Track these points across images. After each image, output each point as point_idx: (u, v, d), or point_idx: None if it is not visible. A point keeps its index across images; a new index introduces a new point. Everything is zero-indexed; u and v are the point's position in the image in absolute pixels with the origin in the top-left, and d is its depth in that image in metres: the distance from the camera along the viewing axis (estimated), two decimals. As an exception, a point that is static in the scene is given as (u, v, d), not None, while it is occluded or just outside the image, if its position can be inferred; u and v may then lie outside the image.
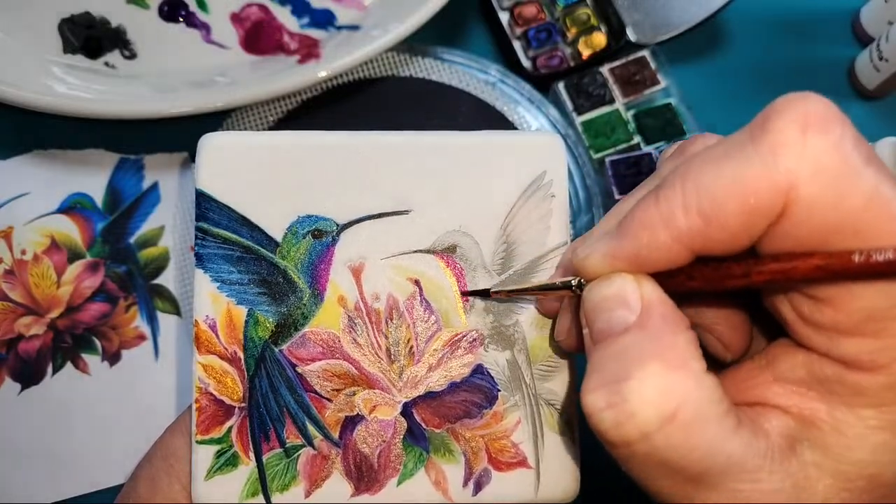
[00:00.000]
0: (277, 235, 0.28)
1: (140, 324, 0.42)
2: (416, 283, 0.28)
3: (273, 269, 0.28)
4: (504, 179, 0.29)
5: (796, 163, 0.18)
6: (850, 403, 0.20)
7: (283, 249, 0.28)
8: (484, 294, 0.28)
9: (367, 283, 0.28)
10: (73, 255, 0.42)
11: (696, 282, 0.21)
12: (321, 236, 0.28)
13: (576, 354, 0.28)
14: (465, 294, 0.29)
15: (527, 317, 0.29)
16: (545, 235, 0.29)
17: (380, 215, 0.29)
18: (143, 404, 0.41)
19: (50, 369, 0.41)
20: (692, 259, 0.21)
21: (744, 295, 0.24)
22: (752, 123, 0.20)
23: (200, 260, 0.28)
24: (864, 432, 0.20)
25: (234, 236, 0.28)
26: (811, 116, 0.19)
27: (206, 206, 0.28)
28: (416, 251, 0.29)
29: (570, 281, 0.24)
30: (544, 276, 0.29)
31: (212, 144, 0.28)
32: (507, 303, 0.29)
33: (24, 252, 0.42)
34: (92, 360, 0.41)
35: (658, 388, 0.19)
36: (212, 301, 0.28)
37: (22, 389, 0.40)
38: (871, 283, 0.19)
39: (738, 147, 0.19)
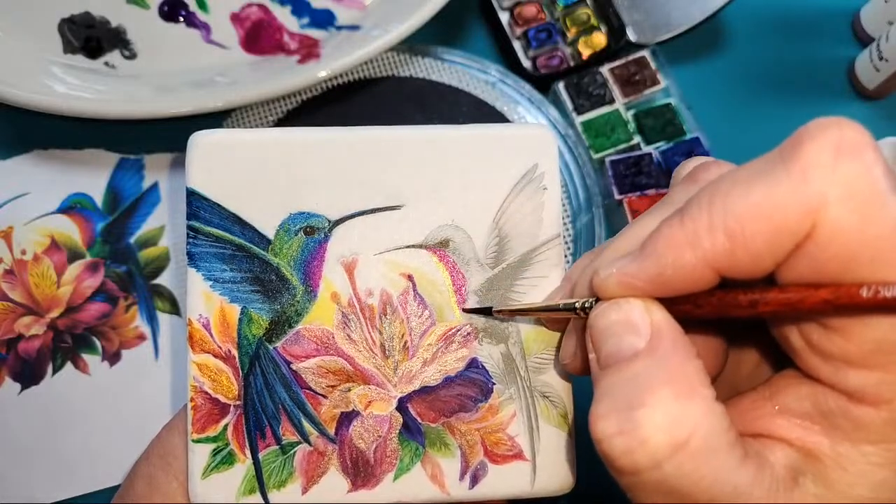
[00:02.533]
0: (269, 233, 0.28)
1: (140, 324, 0.42)
2: (410, 278, 0.28)
3: (266, 267, 0.28)
4: (495, 172, 0.29)
5: (827, 185, 0.18)
6: (852, 439, 0.20)
7: (275, 247, 0.28)
8: (486, 312, 0.28)
9: (360, 279, 0.28)
10: (73, 255, 0.42)
11: (702, 310, 0.21)
12: (313, 233, 0.28)
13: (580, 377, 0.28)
14: (466, 311, 0.29)
15: None
16: (538, 228, 0.29)
17: (372, 211, 0.29)
18: (143, 404, 0.41)
19: (50, 369, 0.41)
20: (717, 282, 0.21)
21: (751, 322, 0.24)
22: (783, 145, 0.19)
23: (192, 259, 0.28)
24: (866, 469, 0.20)
25: (226, 234, 0.28)
26: (844, 141, 0.19)
27: (197, 204, 0.28)
28: (408, 246, 0.29)
29: (573, 303, 0.24)
30: (538, 269, 0.29)
31: (202, 143, 0.28)
32: (501, 296, 0.29)
33: (24, 252, 0.42)
34: (92, 360, 0.41)
35: (670, 415, 0.19)
36: (205, 300, 0.28)
37: (22, 389, 0.40)
38: (885, 315, 0.19)
39: (767, 168, 0.19)
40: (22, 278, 0.41)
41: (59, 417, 0.40)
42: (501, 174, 0.29)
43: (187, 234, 0.28)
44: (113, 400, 0.40)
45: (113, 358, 0.41)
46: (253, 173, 0.28)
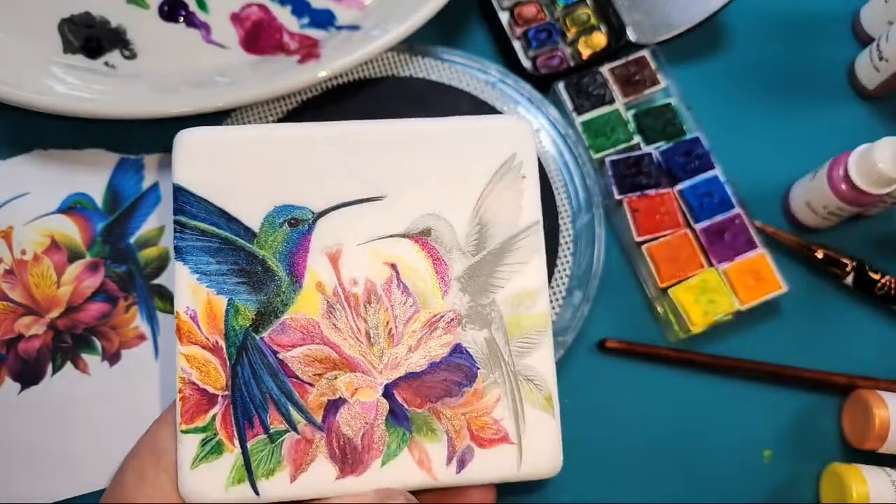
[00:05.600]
0: (255, 226, 0.29)
1: (140, 324, 0.42)
2: (393, 266, 0.29)
3: (251, 259, 0.29)
4: (475, 163, 0.30)
5: None
6: None
7: (260, 239, 0.29)
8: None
9: (344, 269, 0.29)
10: (73, 255, 0.42)
11: None
12: (297, 224, 0.29)
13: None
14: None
15: (503, 295, 0.29)
16: (517, 215, 0.30)
17: (355, 202, 0.29)
18: (142, 404, 0.41)
19: (50, 369, 0.41)
20: None
21: None
22: None
23: (179, 252, 0.28)
24: None
25: (212, 228, 0.29)
26: None
27: (183, 199, 0.29)
28: (391, 236, 0.29)
29: None
30: (518, 255, 0.30)
31: (188, 139, 0.29)
32: (483, 282, 0.29)
33: (24, 252, 0.42)
34: (92, 360, 0.41)
35: None
36: (192, 292, 0.28)
37: (22, 389, 0.40)
38: None
39: None
40: (22, 278, 0.41)
41: (59, 417, 0.40)
42: (480, 164, 0.30)
43: (174, 228, 0.29)
44: (113, 400, 0.40)
45: (113, 358, 0.41)
46: (238, 168, 0.29)
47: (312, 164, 0.29)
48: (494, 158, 0.30)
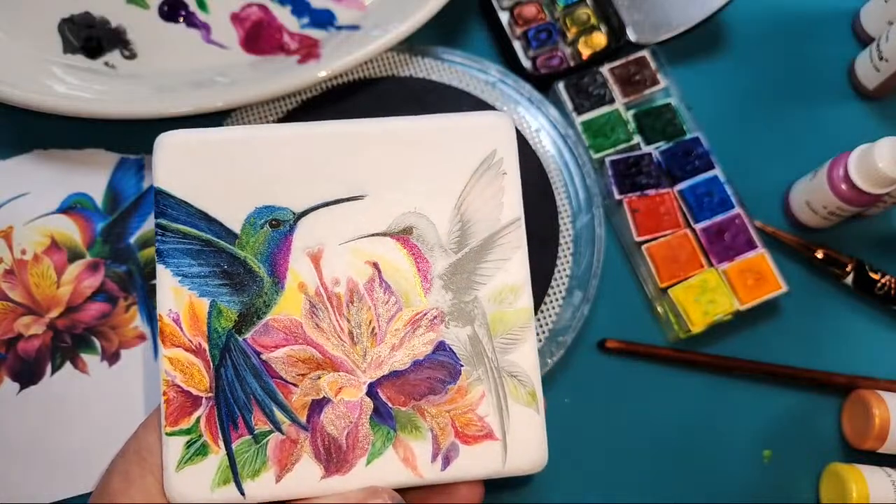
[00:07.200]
0: (236, 227, 0.29)
1: (140, 324, 0.42)
2: (375, 265, 0.29)
3: (233, 261, 0.28)
4: (455, 160, 0.30)
5: None
6: None
7: (241, 241, 0.28)
8: None
9: (326, 269, 0.29)
10: (73, 255, 0.42)
11: None
12: (279, 225, 0.29)
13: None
14: None
15: (485, 292, 0.29)
16: (499, 212, 0.30)
17: (336, 202, 0.29)
18: (142, 404, 0.40)
19: (49, 369, 0.41)
20: None
21: None
22: None
23: (161, 255, 0.28)
24: None
25: (193, 231, 0.28)
26: None
27: (164, 203, 0.28)
28: (372, 234, 0.29)
29: None
30: (500, 252, 0.29)
31: (168, 143, 0.29)
32: (465, 279, 0.29)
33: (24, 252, 0.42)
34: (91, 360, 0.41)
35: None
36: (174, 295, 0.28)
37: (21, 389, 0.40)
38: None
39: None
40: (22, 278, 0.41)
41: (58, 417, 0.40)
42: (461, 161, 0.30)
43: (155, 231, 0.28)
44: (112, 400, 0.40)
45: (112, 358, 0.41)
46: (219, 170, 0.29)
47: (292, 164, 0.29)
48: (475, 155, 0.30)
